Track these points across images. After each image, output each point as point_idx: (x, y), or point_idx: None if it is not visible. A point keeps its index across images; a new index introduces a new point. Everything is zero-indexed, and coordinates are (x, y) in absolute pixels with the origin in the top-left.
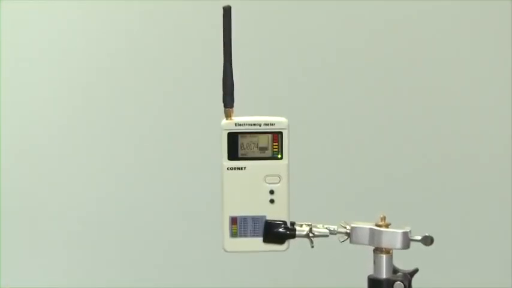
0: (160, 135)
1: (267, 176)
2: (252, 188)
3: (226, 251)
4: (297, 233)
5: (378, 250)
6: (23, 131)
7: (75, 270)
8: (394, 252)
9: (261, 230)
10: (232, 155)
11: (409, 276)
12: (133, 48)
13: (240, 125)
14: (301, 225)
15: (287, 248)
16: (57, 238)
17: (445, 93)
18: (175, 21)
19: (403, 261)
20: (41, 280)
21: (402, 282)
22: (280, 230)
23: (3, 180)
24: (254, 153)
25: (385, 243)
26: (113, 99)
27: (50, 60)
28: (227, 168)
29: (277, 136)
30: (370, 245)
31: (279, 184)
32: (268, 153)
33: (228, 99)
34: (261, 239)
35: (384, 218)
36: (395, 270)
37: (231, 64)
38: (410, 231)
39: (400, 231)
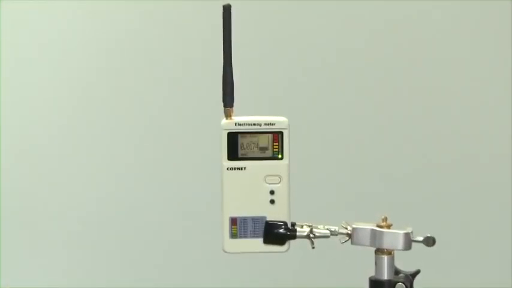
0: (160, 135)
1: (267, 176)
2: (252, 189)
3: (226, 252)
4: (297, 233)
5: (379, 251)
6: (23, 131)
7: (75, 270)
8: (395, 253)
9: (261, 230)
10: (232, 155)
11: (410, 277)
12: (133, 48)
13: (240, 124)
14: (301, 226)
15: (287, 249)
16: (57, 238)
17: (445, 93)
18: (175, 20)
19: (403, 261)
20: (41, 280)
21: (404, 284)
22: (281, 230)
23: (3, 180)
24: (254, 153)
25: (386, 244)
26: (112, 99)
27: (50, 60)
28: (227, 169)
29: (277, 136)
30: (371, 246)
31: (279, 184)
32: (269, 153)
33: (228, 99)
34: (261, 239)
35: (385, 219)
36: (396, 272)
37: (231, 63)
38: (412, 232)
39: (402, 232)
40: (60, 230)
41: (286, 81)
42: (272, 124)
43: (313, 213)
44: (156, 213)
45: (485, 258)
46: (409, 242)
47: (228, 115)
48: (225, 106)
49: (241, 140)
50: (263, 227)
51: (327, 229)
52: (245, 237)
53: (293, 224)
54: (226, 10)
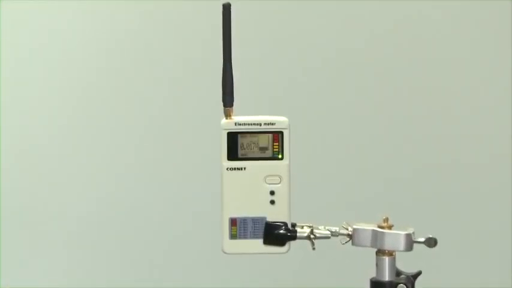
0: (160, 135)
1: (267, 176)
2: (252, 189)
3: (225, 253)
4: (297, 234)
5: (380, 252)
6: (23, 131)
7: (75, 270)
8: (396, 254)
9: (261, 231)
10: (232, 155)
11: (412, 278)
12: (133, 48)
13: (240, 124)
14: (302, 227)
15: (288, 250)
16: (57, 238)
17: (445, 93)
18: (175, 20)
19: (403, 262)
20: (41, 280)
21: (405, 285)
22: (281, 231)
23: (3, 180)
24: (254, 153)
25: (387, 245)
26: (112, 99)
27: (50, 60)
28: (227, 169)
29: (277, 136)
30: (372, 247)
31: (279, 185)
32: (269, 153)
33: (228, 99)
34: (261, 240)
35: (386, 220)
36: (398, 273)
37: (231, 62)
38: (413, 232)
39: (403, 233)
40: (60, 230)
41: (286, 81)
42: (272, 124)
43: (314, 213)
44: (156, 213)
45: (485, 258)
46: (410, 243)
47: (227, 115)
48: (224, 106)
49: (241, 140)
50: (263, 227)
51: (328, 230)
52: (245, 238)
53: (293, 225)
54: (226, 9)
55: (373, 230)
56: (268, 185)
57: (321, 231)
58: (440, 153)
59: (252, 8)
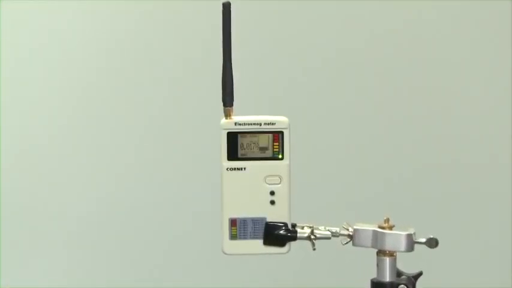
0: (160, 135)
1: (268, 176)
2: (252, 189)
3: (225, 254)
4: (298, 235)
5: (381, 253)
6: (23, 131)
7: (75, 270)
8: (397, 254)
9: (261, 232)
10: (232, 155)
11: (413, 279)
12: (133, 48)
13: (240, 124)
14: (302, 227)
15: (288, 251)
16: (57, 238)
17: (445, 94)
18: (175, 20)
19: (403, 262)
20: (41, 280)
21: (406, 286)
22: (281, 232)
23: (3, 180)
24: (254, 154)
25: (388, 246)
26: (112, 99)
27: (50, 60)
28: (227, 169)
29: (277, 136)
30: (373, 247)
31: (279, 185)
32: (269, 153)
33: (228, 98)
34: (261, 241)
35: (387, 220)
36: (399, 274)
37: (231, 62)
38: (414, 233)
39: (404, 233)
40: (60, 230)
41: (286, 81)
42: (272, 124)
43: (314, 214)
44: (156, 214)
45: (485, 258)
46: (411, 243)
47: (227, 115)
48: (224, 105)
49: (241, 140)
50: (263, 228)
51: (328, 230)
52: (245, 238)
53: (294, 225)
54: (226, 8)
55: (374, 231)
56: (268, 185)
57: (321, 231)
58: (440, 153)
59: (252, 8)
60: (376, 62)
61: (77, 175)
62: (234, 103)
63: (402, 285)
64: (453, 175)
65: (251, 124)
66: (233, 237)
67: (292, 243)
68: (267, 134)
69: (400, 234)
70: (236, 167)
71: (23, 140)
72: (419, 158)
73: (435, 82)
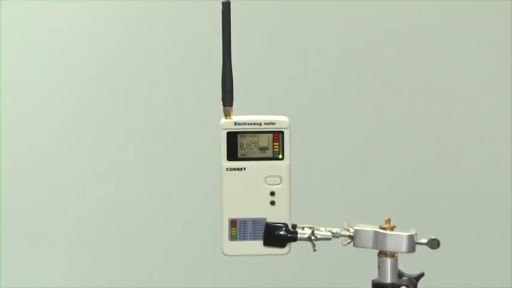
0: (159, 135)
1: (268, 177)
2: (252, 190)
3: (225, 255)
4: (298, 236)
5: (382, 254)
6: (23, 131)
7: (75, 270)
8: (398, 255)
9: (261, 232)
10: (232, 155)
11: (414, 280)
12: (133, 48)
13: (240, 124)
14: (302, 228)
15: (288, 252)
16: (57, 238)
17: (445, 94)
18: (174, 19)
19: (403, 262)
20: (41, 280)
21: (408, 287)
22: (281, 233)
23: (3, 180)
24: (254, 154)
25: (389, 247)
26: (112, 99)
27: (50, 60)
28: (226, 169)
29: (278, 136)
30: (374, 248)
31: (280, 185)
32: (269, 153)
33: (228, 98)
34: (261, 242)
35: (388, 221)
36: (400, 275)
37: (230, 61)
38: (416, 234)
39: (406, 234)
40: (60, 230)
41: (286, 80)
42: (272, 123)
43: (315, 214)
44: (155, 214)
45: (485, 258)
46: (412, 244)
47: (227, 114)
48: (224, 105)
49: (241, 140)
50: (263, 229)
51: (329, 231)
52: (245, 239)
53: (294, 226)
54: (226, 7)
55: (375, 231)
56: (268, 186)
57: (322, 232)
58: (441, 153)
59: (252, 8)
60: (376, 62)
61: (77, 175)
62: (234, 103)
63: (403, 287)
64: (453, 175)
65: (251, 124)
66: (233, 238)
67: (293, 244)
68: (267, 134)
69: (402, 235)
70: (236, 167)
71: (23, 140)
72: (419, 158)
73: (435, 82)
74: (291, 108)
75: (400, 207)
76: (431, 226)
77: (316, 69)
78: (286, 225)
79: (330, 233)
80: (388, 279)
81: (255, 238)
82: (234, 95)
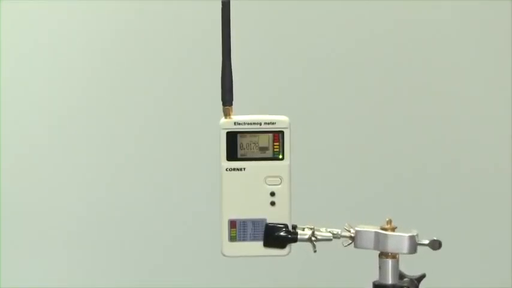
0: (159, 135)
1: (268, 177)
2: (252, 190)
3: (224, 256)
4: (298, 237)
5: (383, 255)
6: (23, 131)
7: (75, 270)
8: (400, 256)
9: (261, 233)
10: (232, 155)
11: (416, 282)
12: (133, 47)
13: (240, 124)
14: (303, 229)
15: (288, 253)
16: (57, 238)
17: (445, 94)
18: (173, 17)
19: (403, 262)
20: (41, 280)
21: None
22: (282, 233)
23: (3, 180)
24: (254, 154)
25: (391, 248)
26: (112, 99)
27: (50, 60)
28: (226, 169)
29: (278, 135)
30: (375, 249)
31: (280, 186)
32: (269, 153)
33: (227, 97)
34: (261, 243)
35: (389, 221)
36: (401, 276)
37: (230, 60)
38: (417, 235)
39: (407, 235)
40: (60, 230)
41: (287, 80)
42: (272, 123)
43: (315, 215)
44: (155, 214)
45: (485, 258)
46: (414, 245)
47: (227, 114)
48: (224, 104)
49: (240, 140)
50: (263, 229)
51: (330, 232)
52: (244, 240)
53: (294, 227)
54: (225, 5)
55: (376, 232)
56: (268, 186)
57: (322, 233)
58: (441, 153)
59: (252, 8)
60: (376, 62)
61: (76, 175)
62: (234, 102)
63: None
64: (453, 175)
65: (251, 124)
66: (232, 239)
67: (293, 245)
68: (267, 134)
69: (403, 236)
70: (236, 167)
71: (23, 140)
72: (419, 158)
73: (435, 82)
74: (291, 108)
75: (400, 207)
76: (431, 226)
77: (316, 69)
78: (286, 226)
79: (331, 234)
80: (389, 281)
81: (254, 239)
82: (233, 95)
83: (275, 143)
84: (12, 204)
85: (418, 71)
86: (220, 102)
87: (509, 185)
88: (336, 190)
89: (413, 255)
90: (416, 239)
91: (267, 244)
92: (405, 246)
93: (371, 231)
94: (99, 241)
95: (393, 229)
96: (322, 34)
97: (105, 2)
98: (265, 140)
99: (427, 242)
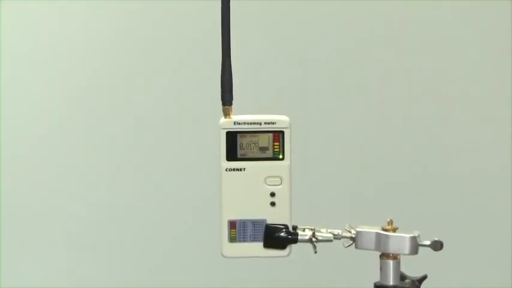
0: (158, 135)
1: (268, 177)
2: (252, 190)
3: (224, 257)
4: (299, 237)
5: (384, 256)
6: (22, 130)
7: (75, 270)
8: (401, 257)
9: (261, 234)
10: (231, 155)
11: (417, 283)
12: (133, 47)
13: (240, 123)
14: (303, 230)
15: (289, 254)
16: (57, 238)
17: (445, 94)
18: (173, 17)
19: (404, 262)
20: (41, 280)
21: None
22: (282, 234)
23: (3, 180)
24: (254, 154)
25: (392, 249)
26: (112, 99)
27: (50, 60)
28: (226, 170)
29: (278, 135)
30: (376, 250)
31: (280, 186)
32: (269, 153)
33: (227, 97)
34: (261, 244)
35: (391, 222)
36: (402, 277)
37: (230, 58)
38: (418, 235)
39: (408, 235)
40: (60, 230)
41: (287, 79)
42: (273, 123)
43: (316, 216)
44: (155, 214)
45: (485, 258)
46: (415, 246)
47: (226, 114)
48: (223, 104)
49: (240, 140)
50: (263, 230)
51: (330, 233)
52: (244, 241)
53: (294, 228)
54: (225, 3)
55: (377, 233)
56: (268, 186)
57: (323, 234)
58: (441, 153)
59: (252, 8)
60: (376, 62)
61: (76, 175)
62: (234, 102)
63: None
64: (453, 175)
65: (251, 123)
66: (232, 239)
67: (293, 246)
68: (267, 134)
69: (404, 236)
70: (235, 167)
71: (23, 140)
72: (419, 158)
73: (435, 82)
74: (291, 108)
75: (401, 207)
76: (432, 226)
77: (316, 69)
78: (286, 227)
79: (331, 235)
80: (391, 282)
81: (254, 240)
82: (233, 95)
83: (275, 143)
84: (12, 204)
85: (418, 71)
86: (220, 102)
87: (509, 185)
88: (337, 190)
89: (414, 255)
90: (418, 239)
91: (267, 245)
92: (407, 247)
93: (372, 232)
94: (99, 241)
95: (394, 230)
96: (322, 34)
97: (105, 2)
98: (265, 140)
99: (428, 242)
